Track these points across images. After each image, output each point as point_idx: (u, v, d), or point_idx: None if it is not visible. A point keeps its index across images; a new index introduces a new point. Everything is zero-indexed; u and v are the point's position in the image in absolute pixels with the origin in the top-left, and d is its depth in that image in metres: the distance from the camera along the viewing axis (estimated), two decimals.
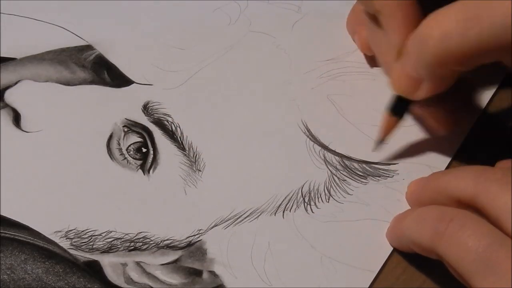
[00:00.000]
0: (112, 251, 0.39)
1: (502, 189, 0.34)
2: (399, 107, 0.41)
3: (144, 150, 0.42)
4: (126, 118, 0.44)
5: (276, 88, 0.46)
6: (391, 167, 0.42)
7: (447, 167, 0.43)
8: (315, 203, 0.41)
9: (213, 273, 0.38)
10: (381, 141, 0.42)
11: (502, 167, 0.39)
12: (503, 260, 0.33)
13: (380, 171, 0.42)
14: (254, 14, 0.50)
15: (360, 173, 0.42)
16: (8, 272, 0.37)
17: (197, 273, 0.38)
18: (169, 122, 0.44)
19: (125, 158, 0.42)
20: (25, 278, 0.37)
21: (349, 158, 0.43)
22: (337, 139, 0.44)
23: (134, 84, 0.46)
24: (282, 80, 0.46)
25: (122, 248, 0.39)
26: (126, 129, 0.43)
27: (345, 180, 0.42)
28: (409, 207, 0.40)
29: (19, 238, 0.38)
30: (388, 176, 0.42)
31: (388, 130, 0.42)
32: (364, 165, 0.43)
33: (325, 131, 0.44)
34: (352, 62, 0.47)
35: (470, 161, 0.43)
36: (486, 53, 0.35)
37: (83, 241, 0.39)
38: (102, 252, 0.38)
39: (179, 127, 0.43)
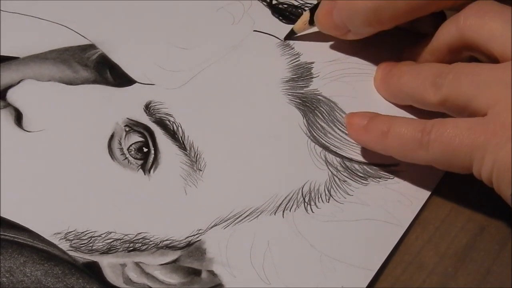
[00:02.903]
0: (112, 252, 0.39)
1: (482, 20, 0.39)
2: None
3: (145, 149, 0.42)
4: (127, 118, 0.44)
5: (278, 88, 0.46)
6: (392, 168, 0.43)
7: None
8: (315, 203, 0.41)
9: (212, 273, 0.38)
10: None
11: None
12: None
13: (381, 172, 0.42)
14: (257, 14, 0.50)
15: (361, 174, 0.42)
16: (7, 275, 0.37)
17: (196, 272, 0.38)
18: (171, 122, 0.44)
19: (126, 158, 0.42)
20: (24, 280, 0.37)
21: (350, 160, 0.43)
22: (338, 140, 0.44)
23: (136, 83, 0.46)
24: (285, 80, 0.46)
25: (121, 249, 0.39)
26: (127, 129, 0.43)
27: (346, 181, 0.42)
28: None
29: (19, 240, 0.38)
30: (389, 178, 0.42)
31: None
32: (365, 167, 0.43)
33: (326, 132, 0.44)
34: (354, 63, 0.47)
35: None
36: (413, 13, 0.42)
37: (83, 242, 0.39)
38: (101, 253, 0.38)
39: (181, 127, 0.43)
